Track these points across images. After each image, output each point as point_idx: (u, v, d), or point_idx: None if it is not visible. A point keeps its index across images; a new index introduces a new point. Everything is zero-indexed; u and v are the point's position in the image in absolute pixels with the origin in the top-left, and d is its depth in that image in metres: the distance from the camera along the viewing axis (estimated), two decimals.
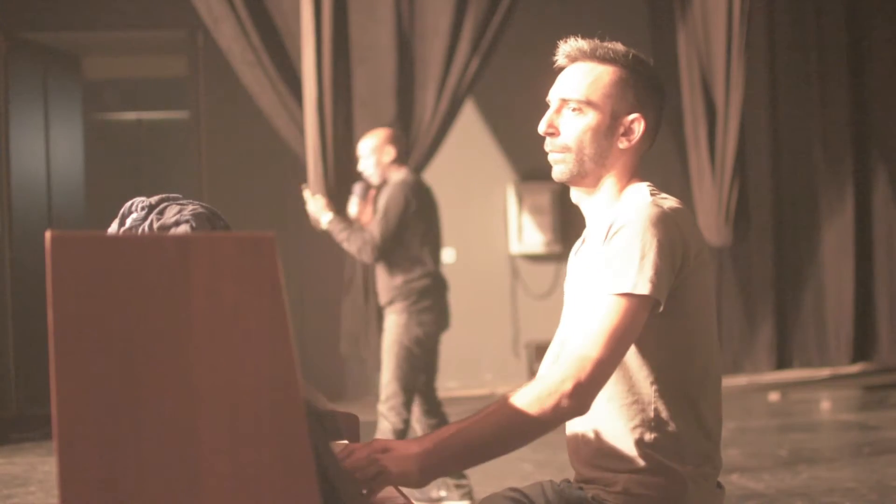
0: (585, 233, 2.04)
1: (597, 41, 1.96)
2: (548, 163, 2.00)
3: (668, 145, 7.99)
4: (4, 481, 5.32)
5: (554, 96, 1.98)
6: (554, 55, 2.01)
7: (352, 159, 6.06)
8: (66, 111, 8.08)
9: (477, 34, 6.18)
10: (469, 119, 7.90)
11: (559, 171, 1.96)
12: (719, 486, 1.94)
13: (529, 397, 1.75)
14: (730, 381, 8.06)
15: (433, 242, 4.68)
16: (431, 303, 4.59)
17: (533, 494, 1.97)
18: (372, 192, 4.90)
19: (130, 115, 9.79)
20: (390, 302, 4.61)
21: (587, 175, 1.95)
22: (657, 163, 8.31)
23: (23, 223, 7.46)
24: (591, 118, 1.93)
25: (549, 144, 1.97)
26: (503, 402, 1.78)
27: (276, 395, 1.24)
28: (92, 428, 1.19)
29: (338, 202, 5.93)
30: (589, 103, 1.93)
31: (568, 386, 1.72)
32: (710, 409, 1.89)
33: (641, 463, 1.84)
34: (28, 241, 7.36)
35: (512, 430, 1.76)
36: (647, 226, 1.79)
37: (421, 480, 1.73)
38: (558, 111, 1.96)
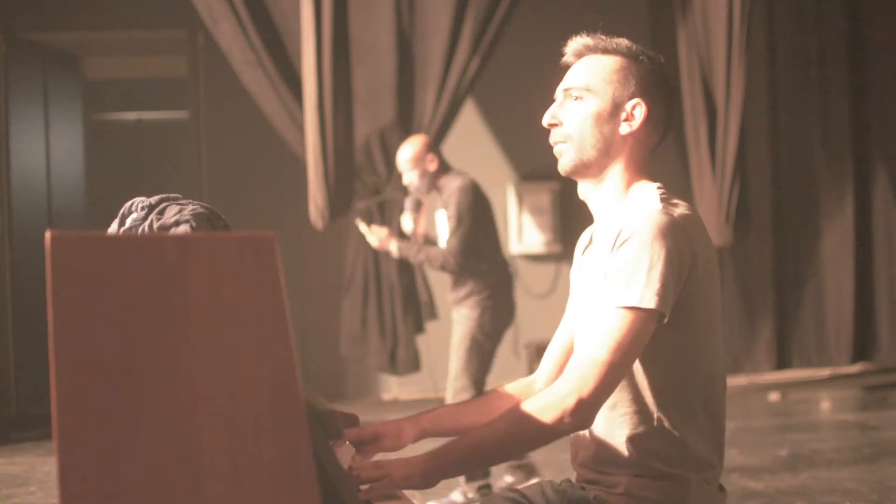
0: (592, 230, 2.02)
1: (602, 36, 1.96)
2: (548, 162, 2.00)
3: (668, 145, 7.96)
4: (4, 481, 5.32)
5: (559, 91, 1.98)
6: (555, 54, 2.01)
7: (352, 159, 6.08)
8: (66, 111, 8.08)
9: (477, 34, 6.18)
10: (469, 119, 7.90)
11: (563, 163, 1.94)
12: (721, 488, 1.93)
13: (534, 409, 1.74)
14: (730, 381, 7.94)
15: (496, 239, 4.72)
16: (502, 297, 4.63)
17: (532, 495, 1.97)
18: (423, 205, 4.90)
19: (130, 115, 9.79)
20: (463, 299, 4.61)
21: (591, 164, 1.93)
22: (657, 163, 8.29)
23: (23, 223, 7.45)
24: (591, 104, 1.92)
25: (553, 136, 1.96)
26: (508, 411, 1.79)
27: (276, 395, 1.24)
28: (92, 428, 1.19)
29: (338, 202, 5.95)
30: (589, 90, 1.92)
31: (571, 401, 1.72)
32: (713, 415, 1.88)
33: (644, 468, 1.83)
34: (28, 241, 7.35)
35: (514, 440, 1.78)
36: (656, 235, 1.76)
37: (423, 483, 1.75)
38: (562, 104, 1.96)
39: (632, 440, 1.84)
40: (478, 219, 4.53)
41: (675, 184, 7.93)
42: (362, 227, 4.90)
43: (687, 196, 7.33)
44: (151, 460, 1.20)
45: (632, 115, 1.92)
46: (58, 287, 1.19)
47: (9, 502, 4.83)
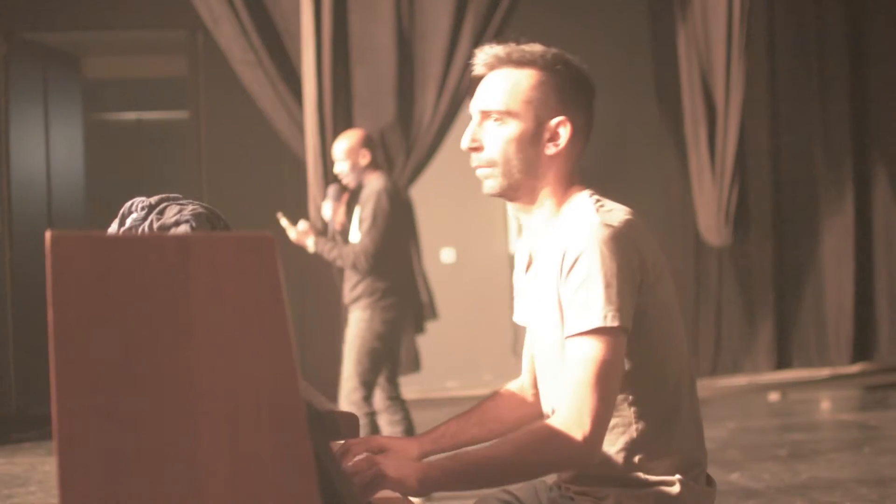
0: (530, 246, 1.97)
1: (512, 45, 1.88)
2: None
3: (668, 145, 7.99)
4: (4, 481, 5.32)
5: (474, 109, 1.91)
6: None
7: None
8: (66, 111, 8.08)
9: (477, 34, 6.18)
10: (469, 119, 7.90)
11: (489, 187, 1.88)
12: (709, 482, 1.92)
13: (541, 441, 1.72)
14: (730, 381, 8.06)
15: (404, 245, 4.83)
16: (395, 301, 4.73)
17: (525, 497, 1.96)
18: (345, 196, 4.97)
19: (130, 115, 9.79)
20: (356, 300, 4.74)
21: (519, 188, 1.87)
22: (657, 163, 8.31)
23: (23, 223, 7.46)
24: (513, 128, 1.85)
25: (474, 160, 1.90)
26: (516, 438, 1.76)
27: (276, 395, 1.24)
28: (92, 428, 1.19)
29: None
30: (509, 113, 1.85)
31: (577, 438, 1.69)
32: (689, 414, 1.86)
33: (630, 480, 1.82)
34: (28, 241, 7.36)
35: (518, 469, 1.75)
36: (604, 251, 1.72)
37: (418, 490, 1.71)
38: (480, 124, 1.90)
39: (615, 455, 1.82)
40: (392, 222, 4.65)
41: (676, 184, 7.96)
42: (283, 221, 4.97)
43: (686, 196, 7.38)
44: (151, 460, 1.20)
45: (556, 133, 1.85)
46: (58, 287, 1.19)
47: (9, 502, 4.83)
